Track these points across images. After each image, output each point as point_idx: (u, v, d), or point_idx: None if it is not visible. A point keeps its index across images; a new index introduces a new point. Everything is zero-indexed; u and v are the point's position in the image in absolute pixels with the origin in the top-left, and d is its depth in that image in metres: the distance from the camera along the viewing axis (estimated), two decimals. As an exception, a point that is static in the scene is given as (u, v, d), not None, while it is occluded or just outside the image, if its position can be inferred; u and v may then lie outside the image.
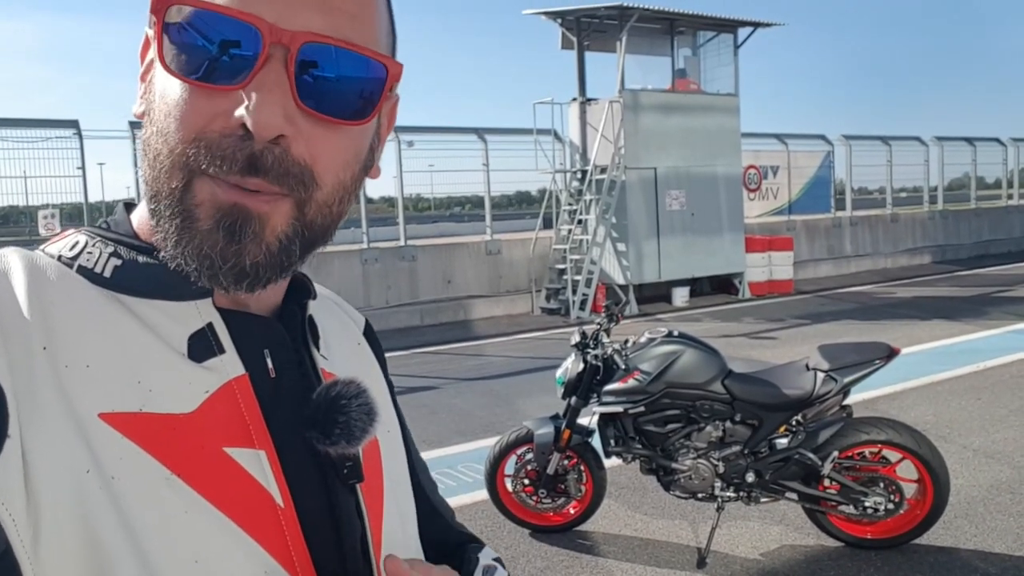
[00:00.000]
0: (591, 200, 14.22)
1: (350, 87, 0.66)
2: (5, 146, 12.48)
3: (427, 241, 15.55)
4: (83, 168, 12.78)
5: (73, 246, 0.70)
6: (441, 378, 9.31)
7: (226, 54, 0.62)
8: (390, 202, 16.38)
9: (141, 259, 0.69)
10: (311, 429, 0.71)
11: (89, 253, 0.69)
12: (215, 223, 0.63)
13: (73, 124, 12.71)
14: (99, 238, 0.70)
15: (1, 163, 12.48)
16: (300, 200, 0.66)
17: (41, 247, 0.71)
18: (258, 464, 0.66)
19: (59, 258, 0.68)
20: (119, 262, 0.69)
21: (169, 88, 0.64)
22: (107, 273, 0.68)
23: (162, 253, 0.66)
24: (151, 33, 0.68)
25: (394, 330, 13.15)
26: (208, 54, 0.62)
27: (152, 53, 0.68)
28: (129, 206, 0.76)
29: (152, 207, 0.66)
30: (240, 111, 0.61)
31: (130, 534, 0.58)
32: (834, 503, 4.20)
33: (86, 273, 0.67)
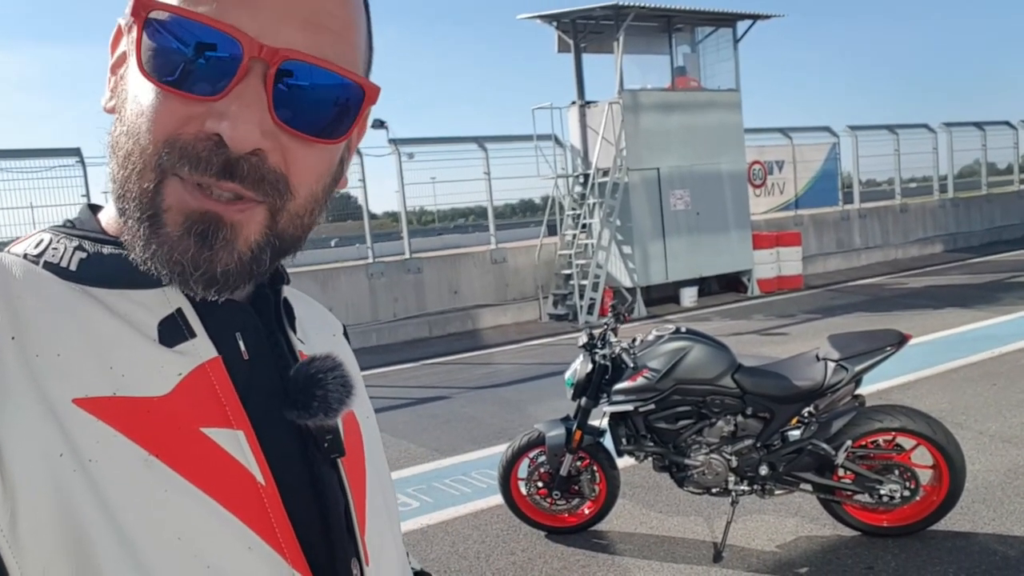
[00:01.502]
0: (594, 203, 14.20)
1: (327, 106, 0.66)
2: (9, 177, 12.44)
3: (432, 253, 15.58)
4: (88, 196, 12.70)
5: (38, 244, 0.70)
6: (452, 388, 9.33)
7: (205, 63, 0.62)
8: (394, 217, 16.40)
9: (106, 251, 0.69)
10: (289, 404, 0.71)
11: (54, 249, 0.69)
12: (185, 229, 0.64)
13: (76, 152, 12.73)
14: (64, 235, 0.71)
15: (6, 194, 12.48)
16: (274, 208, 0.66)
17: (6, 248, 0.71)
18: (236, 444, 0.67)
19: (24, 256, 0.68)
20: (84, 255, 0.69)
21: (143, 90, 0.64)
22: (73, 267, 0.68)
23: (131, 255, 0.66)
24: (124, 24, 0.68)
25: (403, 343, 13.17)
26: (187, 61, 0.62)
27: (124, 46, 0.68)
28: (95, 207, 0.76)
29: (120, 206, 0.66)
30: (214, 123, 0.62)
31: (109, 515, 0.59)
32: (849, 492, 4.17)
33: (52, 268, 0.67)
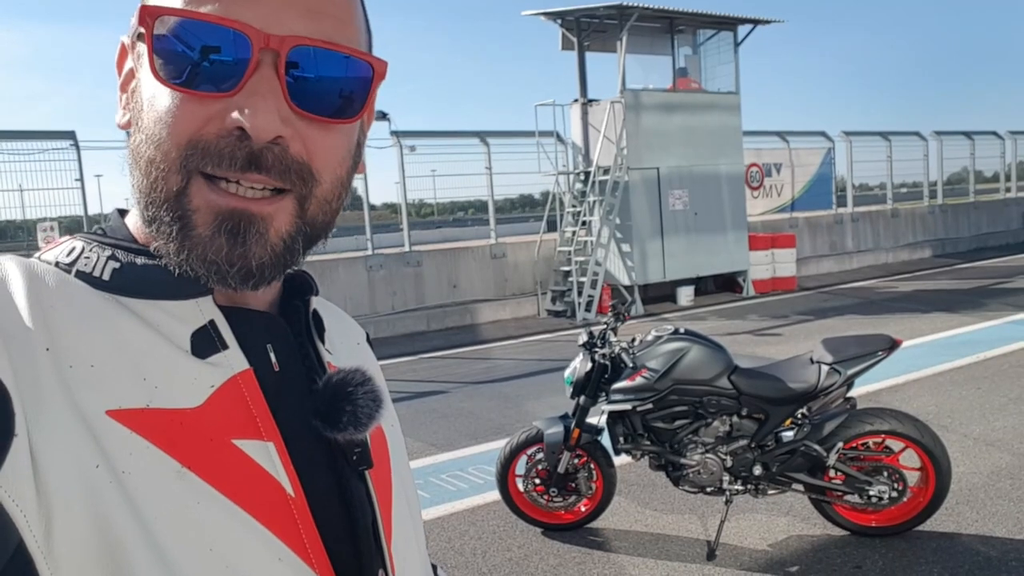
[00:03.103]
0: (594, 201, 14.27)
1: (340, 87, 0.68)
2: (0, 159, 12.19)
3: (432, 246, 15.54)
4: (81, 180, 12.52)
5: (70, 252, 0.70)
6: (450, 382, 9.36)
7: (216, 61, 0.63)
8: (393, 208, 16.45)
9: (139, 261, 0.69)
10: (318, 417, 0.72)
11: (87, 258, 0.69)
12: (216, 228, 0.65)
13: (70, 135, 12.46)
14: (96, 243, 0.71)
15: (-4, 176, 12.40)
16: (301, 196, 0.68)
17: (37, 255, 0.71)
18: (267, 455, 0.67)
19: (56, 264, 0.68)
20: (117, 265, 0.69)
21: (158, 95, 0.65)
22: (106, 276, 0.68)
23: (164, 260, 0.67)
24: (127, 42, 0.71)
25: (401, 336, 13.16)
26: (197, 61, 0.63)
27: (131, 63, 0.70)
28: (123, 212, 0.76)
29: (148, 214, 0.67)
30: (236, 115, 0.63)
31: (143, 526, 0.59)
32: (839, 493, 4.28)
33: (85, 277, 0.68)
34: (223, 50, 0.63)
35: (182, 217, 0.65)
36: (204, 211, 0.65)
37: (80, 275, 0.68)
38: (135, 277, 0.68)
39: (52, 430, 0.58)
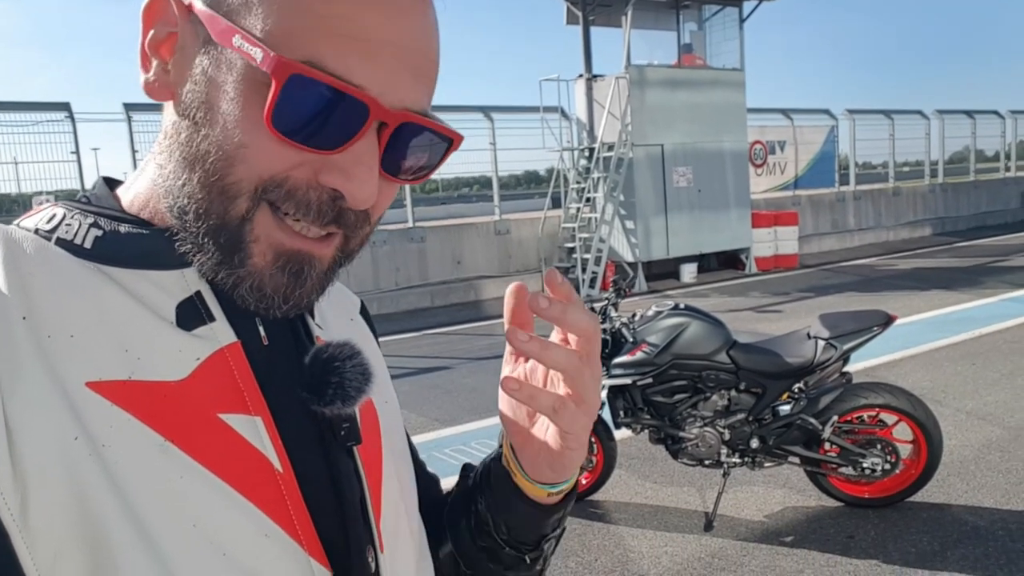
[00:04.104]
0: (599, 178, 14.26)
1: (423, 156, 0.68)
2: None
3: (436, 222, 15.48)
4: (77, 153, 12.39)
5: (50, 219, 0.67)
6: (453, 358, 9.40)
7: (329, 120, 0.61)
8: (398, 184, 16.38)
9: (123, 229, 0.67)
10: (305, 391, 0.70)
11: (68, 225, 0.67)
12: (277, 266, 0.64)
13: (65, 107, 12.31)
14: (78, 210, 0.68)
15: (-11, 148, 12.00)
16: (348, 235, 0.68)
17: (16, 221, 0.68)
18: (254, 430, 0.66)
19: (36, 231, 0.66)
20: (100, 233, 0.66)
21: (252, 126, 0.61)
22: (87, 244, 0.66)
23: (202, 275, 0.67)
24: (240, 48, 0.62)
25: (404, 312, 13.17)
26: (311, 117, 0.60)
27: (164, 25, 0.65)
28: (110, 181, 0.74)
29: (197, 226, 0.64)
30: (340, 180, 0.62)
31: (124, 500, 0.57)
32: (834, 465, 4.36)
33: (65, 245, 0.65)
34: (340, 112, 0.61)
35: (240, 243, 0.64)
36: (263, 243, 0.64)
37: (60, 242, 0.65)
38: (118, 245, 0.66)
39: (28, 401, 0.56)
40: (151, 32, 0.65)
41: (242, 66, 0.61)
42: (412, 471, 0.87)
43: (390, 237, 13.99)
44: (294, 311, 0.67)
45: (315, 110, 0.60)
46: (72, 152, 12.33)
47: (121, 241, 0.66)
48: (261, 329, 0.71)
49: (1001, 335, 8.54)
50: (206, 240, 0.64)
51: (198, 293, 0.67)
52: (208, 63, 0.63)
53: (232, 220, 0.63)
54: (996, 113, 24.06)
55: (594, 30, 15.10)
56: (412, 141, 0.66)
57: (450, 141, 0.69)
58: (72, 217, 0.67)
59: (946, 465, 4.63)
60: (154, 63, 0.66)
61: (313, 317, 0.78)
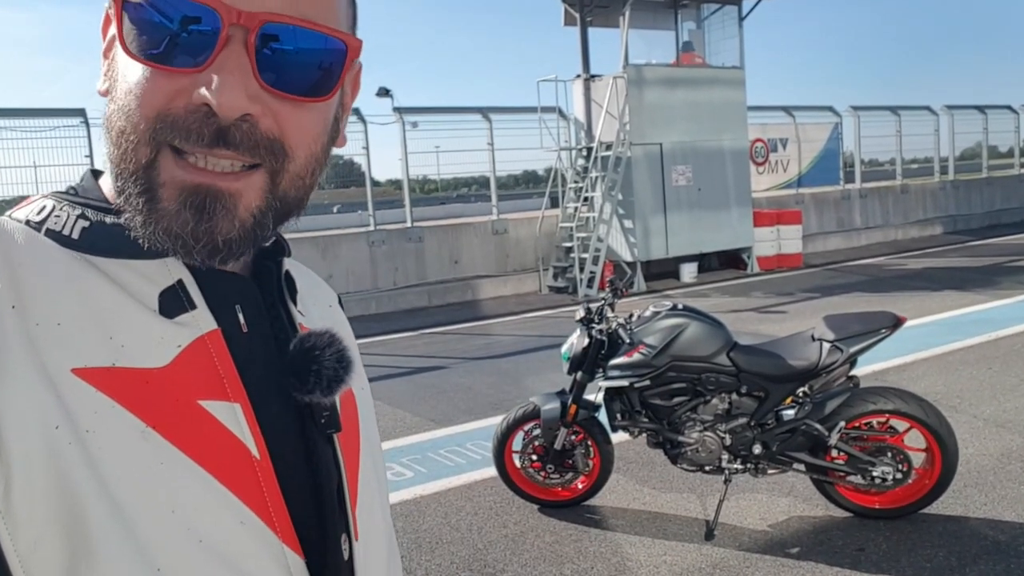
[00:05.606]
0: (597, 177, 14.18)
1: (310, 64, 0.67)
2: (13, 136, 12.52)
3: (434, 222, 15.55)
4: (91, 157, 12.72)
5: (40, 210, 0.70)
6: (449, 358, 9.37)
7: (186, 36, 0.62)
8: (396, 184, 16.40)
9: (109, 220, 0.69)
10: (286, 378, 0.72)
11: (57, 216, 0.69)
12: (181, 203, 0.64)
13: (80, 113, 12.70)
14: (66, 202, 0.71)
15: (10, 153, 12.54)
16: (273, 171, 0.67)
17: (8, 213, 0.71)
18: (233, 417, 0.67)
19: (27, 222, 0.69)
20: (87, 224, 0.69)
21: (130, 68, 0.65)
22: (75, 235, 0.68)
23: (131, 232, 0.67)
24: (112, 12, 0.68)
25: (402, 311, 13.18)
26: (167, 35, 0.63)
27: (113, 31, 0.68)
28: (96, 173, 0.76)
29: (119, 184, 0.67)
30: (203, 91, 0.62)
31: (104, 486, 0.59)
32: (842, 473, 4.20)
33: (54, 236, 0.68)
34: (192, 23, 0.62)
35: (149, 190, 0.65)
36: (170, 186, 0.65)
37: (50, 233, 0.68)
38: (104, 236, 0.68)
39: (15, 388, 0.58)
40: (103, 43, 0.71)
41: (113, 25, 0.65)
42: (382, 454, 0.89)
43: (388, 237, 14.05)
44: (214, 254, 0.66)
45: (163, 24, 0.62)
46: (86, 156, 12.74)
47: (106, 232, 0.69)
48: (241, 316, 0.72)
49: (1019, 338, 8.24)
50: (128, 198, 0.66)
51: (180, 281, 0.69)
52: (113, 48, 0.68)
53: (139, 169, 0.65)
54: (1009, 108, 23.52)
55: (592, 31, 15.07)
56: (292, 48, 0.65)
57: (343, 46, 0.68)
58: (61, 208, 0.70)
59: (963, 475, 4.44)
60: (104, 66, 0.71)
61: (295, 302, 0.80)
